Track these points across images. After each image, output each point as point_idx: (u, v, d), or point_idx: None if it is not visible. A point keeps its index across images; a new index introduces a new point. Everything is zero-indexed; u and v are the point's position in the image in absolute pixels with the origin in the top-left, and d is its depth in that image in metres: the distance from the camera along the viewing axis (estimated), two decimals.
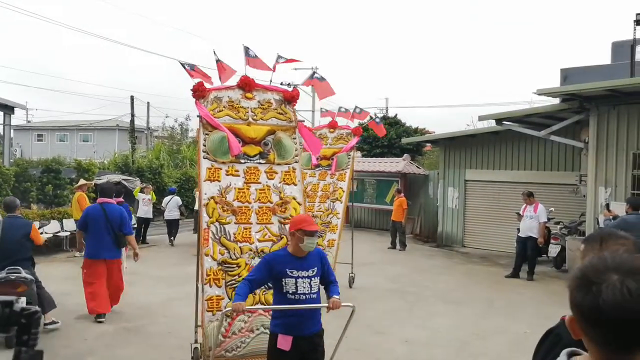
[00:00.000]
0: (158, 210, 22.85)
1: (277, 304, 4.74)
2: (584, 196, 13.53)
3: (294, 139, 6.60)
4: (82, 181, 15.08)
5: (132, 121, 32.93)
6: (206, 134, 6.16)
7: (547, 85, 29.16)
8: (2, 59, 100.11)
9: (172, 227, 17.94)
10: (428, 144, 26.90)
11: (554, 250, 13.84)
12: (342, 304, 4.70)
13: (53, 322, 8.20)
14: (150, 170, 25.13)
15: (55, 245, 15.26)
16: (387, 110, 39.88)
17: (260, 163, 6.32)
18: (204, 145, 6.13)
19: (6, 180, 15.91)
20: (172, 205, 17.84)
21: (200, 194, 5.98)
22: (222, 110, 6.33)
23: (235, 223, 5.96)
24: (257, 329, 5.73)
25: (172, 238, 17.85)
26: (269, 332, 5.10)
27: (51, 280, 10.87)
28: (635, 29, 17.10)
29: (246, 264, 5.81)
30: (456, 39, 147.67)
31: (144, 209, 17.20)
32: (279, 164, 6.40)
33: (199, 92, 6.33)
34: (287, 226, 5.84)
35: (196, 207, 20.01)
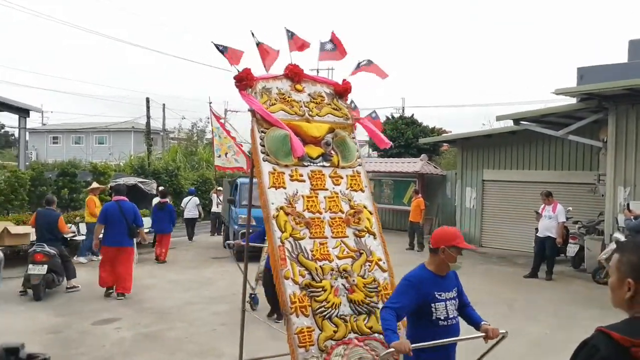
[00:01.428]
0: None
1: (426, 333, 4.03)
2: (603, 195, 13.42)
3: (353, 138, 5.72)
4: (95, 184, 15.01)
5: (148, 123, 33.00)
6: (262, 132, 5.18)
7: (563, 84, 28.89)
8: (18, 62, 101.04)
9: (191, 225, 19.25)
10: (445, 144, 26.79)
11: (572, 250, 13.73)
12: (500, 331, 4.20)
13: (74, 287, 10.99)
14: (166, 173, 25.15)
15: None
16: (403, 110, 39.77)
17: (324, 166, 5.39)
18: (262, 146, 5.14)
19: (22, 184, 15.89)
20: (191, 205, 18.97)
21: (266, 204, 4.94)
22: (274, 104, 5.38)
23: (310, 238, 4.96)
24: None
25: (191, 236, 19.19)
26: None
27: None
28: None
29: (331, 287, 4.80)
30: (472, 38, 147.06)
31: None
32: (343, 168, 5.49)
33: (245, 82, 5.28)
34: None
35: (213, 209, 20.28)
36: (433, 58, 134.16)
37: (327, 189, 5.26)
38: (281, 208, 4.94)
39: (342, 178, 5.41)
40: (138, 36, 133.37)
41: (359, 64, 6.17)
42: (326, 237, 5.04)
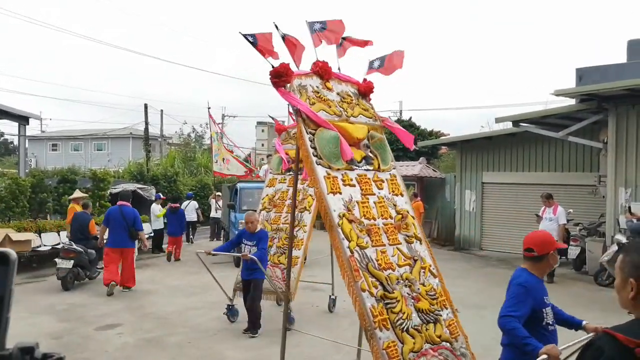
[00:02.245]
0: None
1: (539, 340, 3.82)
2: (604, 197, 13.42)
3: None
4: (77, 193, 14.73)
5: (146, 129, 33.01)
6: (311, 133, 4.78)
7: (562, 85, 28.89)
8: (16, 70, 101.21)
9: (191, 228, 19.93)
10: (444, 147, 26.81)
11: (573, 252, 13.70)
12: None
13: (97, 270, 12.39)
14: (165, 178, 25.13)
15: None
16: (401, 114, 39.81)
17: (367, 170, 5.06)
18: (313, 148, 4.73)
19: (23, 191, 15.89)
20: (190, 208, 19.24)
21: (328, 211, 4.54)
22: (314, 103, 4.94)
23: (373, 246, 4.59)
24: None
25: (192, 237, 20.10)
26: None
27: (70, 292, 11.29)
28: None
29: (402, 297, 4.50)
30: (469, 41, 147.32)
31: (160, 220, 17.37)
32: (383, 171, 5.20)
33: (284, 78, 4.78)
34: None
35: (212, 214, 20.34)
36: (430, 61, 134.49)
37: (374, 194, 4.97)
38: (343, 215, 4.57)
39: (383, 182, 5.15)
40: (138, 37, 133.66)
41: (371, 63, 5.90)
42: (384, 245, 4.71)
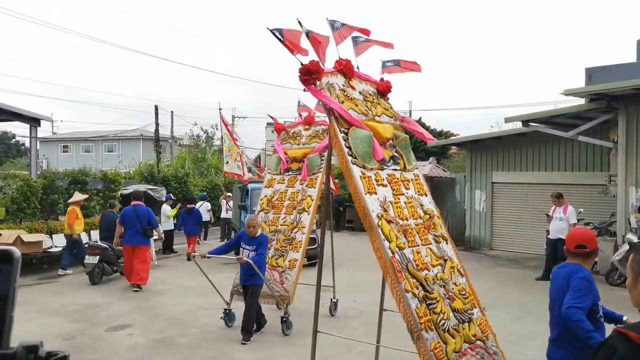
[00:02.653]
0: None
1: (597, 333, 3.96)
2: (614, 196, 13.36)
3: None
4: (77, 196, 14.68)
5: (157, 130, 33.09)
6: (344, 132, 4.65)
7: (572, 85, 28.75)
8: (28, 72, 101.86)
9: (203, 228, 20.21)
10: (453, 147, 26.76)
11: None
12: None
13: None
14: (175, 179, 25.20)
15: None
16: (410, 114, 39.72)
17: (395, 170, 4.97)
18: (348, 148, 4.61)
19: (34, 192, 16.01)
20: (203, 209, 19.37)
21: (367, 211, 4.43)
22: (343, 102, 4.79)
23: (409, 247, 4.51)
24: None
25: (204, 238, 20.48)
26: None
27: (82, 293, 11.27)
28: None
29: (441, 297, 4.44)
30: (478, 40, 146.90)
31: (170, 221, 17.45)
32: (408, 171, 5.14)
33: (315, 76, 4.64)
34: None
35: (223, 214, 20.40)
36: (439, 60, 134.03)
37: (403, 194, 4.88)
38: (381, 216, 4.47)
39: (409, 182, 5.08)
40: (138, 37, 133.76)
41: (384, 63, 5.85)
42: (418, 245, 4.64)
